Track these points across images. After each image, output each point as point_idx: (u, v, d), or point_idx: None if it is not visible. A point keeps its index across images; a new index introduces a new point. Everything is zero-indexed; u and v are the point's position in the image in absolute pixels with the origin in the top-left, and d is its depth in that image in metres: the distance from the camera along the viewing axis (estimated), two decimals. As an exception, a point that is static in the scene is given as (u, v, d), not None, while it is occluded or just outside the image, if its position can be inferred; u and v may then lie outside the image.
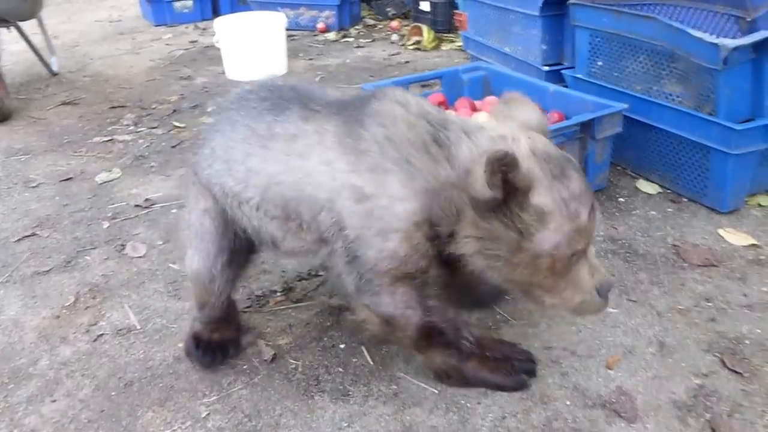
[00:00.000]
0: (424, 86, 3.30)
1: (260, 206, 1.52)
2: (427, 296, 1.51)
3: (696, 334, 1.75)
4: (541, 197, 1.29)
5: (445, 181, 1.36)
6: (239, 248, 1.67)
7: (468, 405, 1.57)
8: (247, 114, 1.55)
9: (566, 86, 2.91)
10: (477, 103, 2.89)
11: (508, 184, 1.26)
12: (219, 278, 1.66)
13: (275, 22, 4.32)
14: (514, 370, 1.60)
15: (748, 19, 2.25)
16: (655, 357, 1.68)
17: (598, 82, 2.75)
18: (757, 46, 2.19)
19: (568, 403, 1.56)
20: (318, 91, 1.57)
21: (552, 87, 2.82)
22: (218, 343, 1.76)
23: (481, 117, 2.70)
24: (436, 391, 1.61)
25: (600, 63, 2.75)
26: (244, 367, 1.74)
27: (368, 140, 1.39)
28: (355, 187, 1.38)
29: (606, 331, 1.78)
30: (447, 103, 2.95)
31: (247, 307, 1.98)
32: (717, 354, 1.68)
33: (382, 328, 1.52)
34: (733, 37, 2.25)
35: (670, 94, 2.46)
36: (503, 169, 1.23)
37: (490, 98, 2.88)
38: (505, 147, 1.28)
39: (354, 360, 1.74)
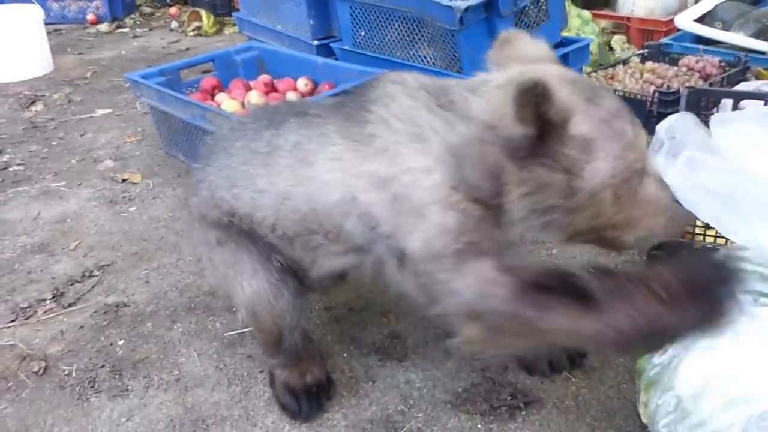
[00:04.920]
0: (204, 72, 3.22)
1: (276, 227, 1.34)
2: (516, 257, 1.20)
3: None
4: (581, 125, 1.10)
5: (469, 138, 1.16)
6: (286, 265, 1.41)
7: (251, 375, 1.60)
8: (244, 137, 1.40)
9: (337, 59, 3.00)
10: (251, 83, 2.89)
11: (541, 118, 1.05)
12: (286, 292, 1.40)
13: (28, 16, 3.94)
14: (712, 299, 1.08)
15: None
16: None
17: (363, 52, 2.87)
18: (488, 6, 2.42)
19: (345, 355, 1.65)
20: (314, 100, 1.49)
21: (321, 60, 2.90)
22: (316, 386, 1.51)
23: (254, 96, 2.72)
24: (218, 368, 1.62)
25: (363, 33, 2.87)
26: (9, 384, 1.62)
27: (374, 122, 1.22)
28: (371, 174, 1.20)
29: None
30: (222, 86, 2.91)
31: (11, 321, 1.84)
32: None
33: (482, 334, 1.15)
34: None
35: (425, 57, 2.64)
36: (535, 100, 1.03)
37: (263, 77, 2.90)
38: (533, 75, 1.07)
39: (133, 354, 1.69)
